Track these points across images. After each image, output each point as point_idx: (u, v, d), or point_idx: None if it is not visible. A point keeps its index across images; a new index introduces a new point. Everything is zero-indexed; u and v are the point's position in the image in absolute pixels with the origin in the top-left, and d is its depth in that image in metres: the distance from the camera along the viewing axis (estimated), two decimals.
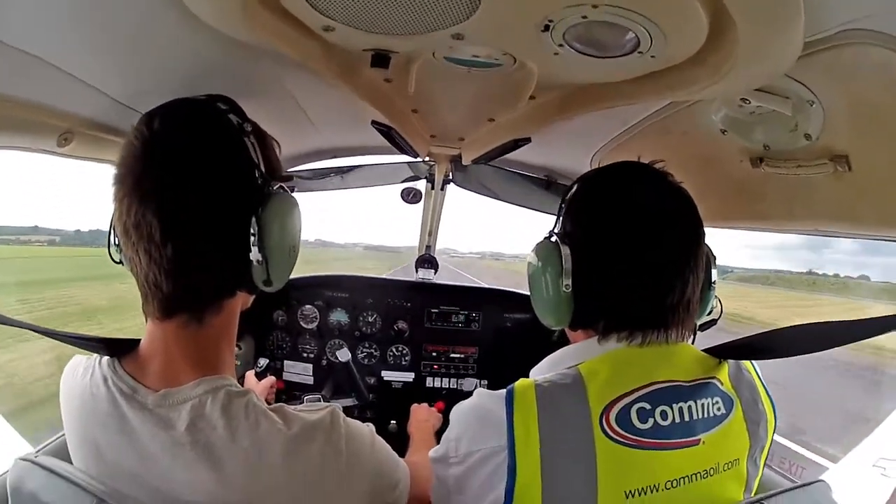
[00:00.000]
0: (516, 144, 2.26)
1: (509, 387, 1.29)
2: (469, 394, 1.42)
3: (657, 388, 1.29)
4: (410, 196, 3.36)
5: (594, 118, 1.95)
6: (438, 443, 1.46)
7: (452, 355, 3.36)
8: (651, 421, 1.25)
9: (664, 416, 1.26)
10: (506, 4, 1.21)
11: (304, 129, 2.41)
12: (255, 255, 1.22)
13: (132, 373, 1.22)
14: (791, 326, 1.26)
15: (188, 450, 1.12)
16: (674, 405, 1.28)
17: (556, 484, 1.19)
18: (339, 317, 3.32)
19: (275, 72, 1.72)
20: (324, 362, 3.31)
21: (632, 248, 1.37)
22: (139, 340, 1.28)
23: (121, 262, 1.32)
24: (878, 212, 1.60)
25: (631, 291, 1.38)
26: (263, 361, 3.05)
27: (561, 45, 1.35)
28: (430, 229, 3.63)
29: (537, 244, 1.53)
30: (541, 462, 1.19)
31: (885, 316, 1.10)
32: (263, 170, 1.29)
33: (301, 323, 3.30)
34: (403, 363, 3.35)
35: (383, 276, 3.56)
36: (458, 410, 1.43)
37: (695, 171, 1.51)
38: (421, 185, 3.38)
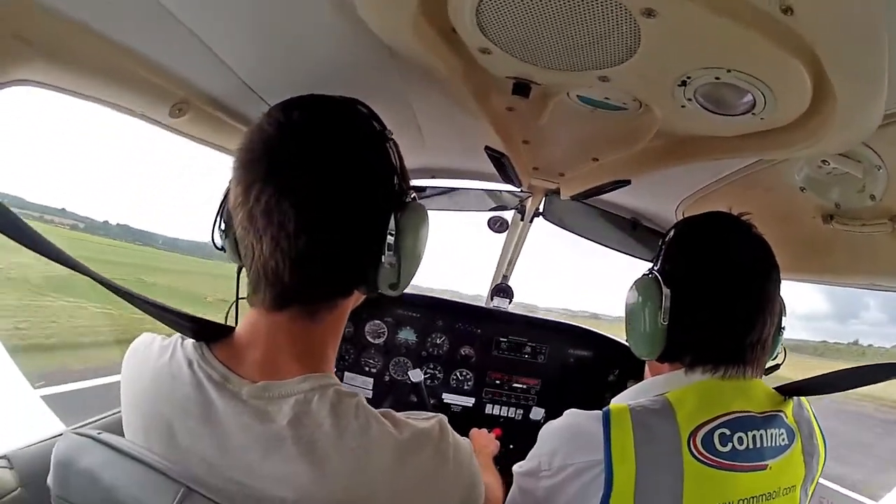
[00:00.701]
0: (616, 185, 2.35)
1: (605, 409, 1.42)
2: (531, 422, 1.61)
3: (735, 416, 1.44)
4: (497, 225, 3.47)
5: (687, 168, 2.06)
6: (496, 467, 1.63)
7: (515, 385, 3.42)
8: (730, 445, 1.40)
9: (741, 441, 1.42)
10: (657, 57, 1.31)
11: (413, 144, 2.45)
12: (388, 257, 1.21)
13: (224, 360, 1.18)
14: (838, 370, 1.52)
15: (289, 444, 1.07)
16: (748, 432, 1.43)
17: (647, 497, 1.34)
18: (406, 335, 3.38)
19: (400, 83, 1.77)
20: (386, 378, 3.37)
21: (723, 293, 1.54)
22: (233, 328, 1.26)
23: (223, 249, 1.35)
24: None
25: (718, 330, 1.53)
26: (358, 392, 3.10)
27: (689, 100, 1.49)
28: (510, 259, 3.64)
29: (638, 279, 1.66)
30: (636, 476, 1.34)
31: None
32: (401, 177, 1.29)
33: (367, 337, 3.35)
34: (466, 388, 3.42)
35: (456, 301, 3.56)
36: (550, 428, 1.57)
37: (773, 225, 1.66)
38: (507, 215, 3.43)
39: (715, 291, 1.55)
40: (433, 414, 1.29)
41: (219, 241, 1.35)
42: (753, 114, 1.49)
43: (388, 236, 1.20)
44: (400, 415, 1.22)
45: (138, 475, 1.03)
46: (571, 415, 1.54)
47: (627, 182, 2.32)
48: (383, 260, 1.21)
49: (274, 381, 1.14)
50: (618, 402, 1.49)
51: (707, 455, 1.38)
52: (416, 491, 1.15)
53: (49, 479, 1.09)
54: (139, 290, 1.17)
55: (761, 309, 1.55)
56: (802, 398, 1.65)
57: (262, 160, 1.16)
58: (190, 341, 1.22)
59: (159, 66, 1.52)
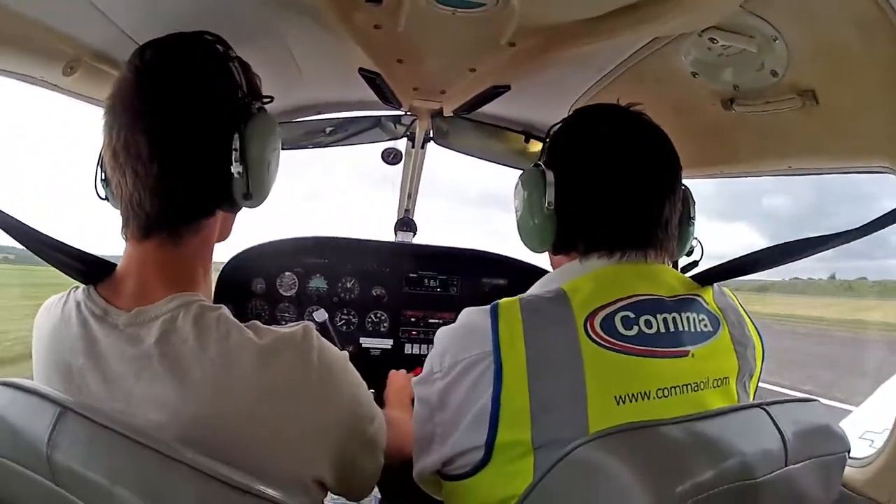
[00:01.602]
0: (495, 91, 2.30)
1: (494, 302, 1.35)
2: None
3: (639, 299, 1.34)
4: (391, 157, 3.35)
5: (570, 68, 2.04)
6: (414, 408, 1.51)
7: (431, 321, 3.38)
8: (636, 328, 1.29)
9: (648, 324, 1.31)
10: None
11: (292, 81, 2.42)
12: (236, 167, 1.26)
13: (105, 295, 1.23)
14: (759, 250, 1.39)
15: (155, 362, 1.11)
16: (657, 315, 1.33)
17: (543, 387, 1.22)
18: (317, 283, 3.30)
19: (273, 19, 1.75)
20: None
21: (608, 172, 1.46)
22: (115, 265, 1.31)
23: (106, 199, 1.39)
24: (846, 144, 1.68)
25: (609, 211, 1.45)
26: (222, 306, 3.03)
27: None
28: (409, 191, 3.60)
29: (523, 172, 1.60)
30: (527, 364, 1.24)
31: (836, 233, 1.25)
32: (245, 91, 1.34)
33: (280, 291, 3.27)
34: (382, 330, 3.34)
35: (360, 238, 3.47)
36: (442, 330, 1.48)
37: (670, 118, 1.56)
38: (400, 146, 3.33)
39: (601, 170, 1.49)
40: (298, 321, 1.30)
41: (102, 192, 1.40)
42: None
43: (234, 148, 1.26)
44: (266, 325, 1.23)
45: (26, 404, 1.07)
46: (463, 313, 1.46)
47: (507, 87, 2.27)
48: (232, 170, 1.26)
49: (145, 305, 1.18)
50: None
51: (608, 339, 1.28)
52: (278, 399, 1.15)
53: None
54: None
55: (655, 189, 1.48)
56: (724, 287, 1.57)
57: (119, 101, 1.23)
58: (81, 287, 1.27)
59: (47, 27, 1.51)
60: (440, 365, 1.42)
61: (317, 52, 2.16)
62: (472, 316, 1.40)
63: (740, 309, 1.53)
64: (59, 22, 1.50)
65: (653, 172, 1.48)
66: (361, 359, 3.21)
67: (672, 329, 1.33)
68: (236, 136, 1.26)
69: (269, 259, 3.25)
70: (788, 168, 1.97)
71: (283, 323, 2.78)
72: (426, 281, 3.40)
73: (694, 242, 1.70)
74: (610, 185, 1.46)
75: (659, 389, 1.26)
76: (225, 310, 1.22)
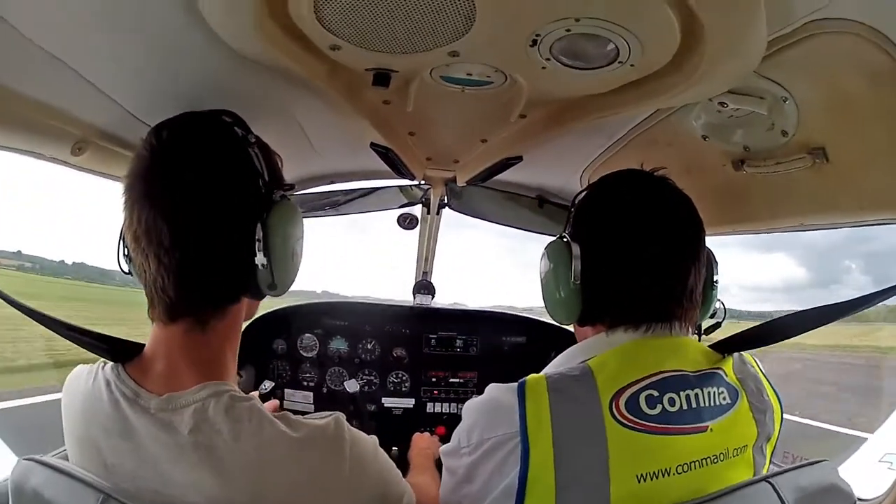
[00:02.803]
0: (508, 163, 2.33)
1: (521, 380, 1.33)
2: None
3: (664, 376, 1.33)
4: (407, 222, 3.39)
5: (582, 135, 2.05)
6: (438, 469, 1.51)
7: (452, 380, 3.37)
8: (659, 407, 1.29)
9: (672, 402, 1.31)
10: (497, 22, 1.28)
11: (305, 153, 2.44)
12: (259, 259, 1.26)
13: (135, 377, 1.23)
14: (781, 317, 1.37)
15: (190, 452, 1.13)
16: (681, 392, 1.32)
17: (569, 468, 1.22)
18: (338, 345, 3.31)
19: (281, 95, 1.76)
20: (324, 390, 3.30)
21: (634, 243, 1.45)
22: (143, 345, 1.30)
23: (130, 273, 1.37)
24: (858, 198, 1.68)
25: (635, 284, 1.44)
26: (269, 384, 3.08)
27: (548, 59, 1.42)
28: (426, 255, 3.63)
29: (548, 244, 1.59)
30: (553, 446, 1.23)
31: (859, 297, 1.25)
32: (267, 178, 1.34)
33: (301, 352, 3.29)
34: (403, 389, 3.34)
35: (380, 303, 3.57)
36: (470, 405, 1.48)
37: (681, 180, 1.56)
38: (416, 211, 3.40)
39: (627, 243, 1.47)
40: (329, 413, 1.31)
41: (125, 267, 1.39)
42: (621, 62, 1.41)
43: (257, 239, 1.26)
44: (296, 416, 1.25)
45: (68, 488, 1.10)
46: (490, 389, 1.45)
47: (519, 158, 2.29)
48: (256, 261, 1.27)
49: (175, 392, 1.19)
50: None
51: (633, 419, 1.27)
52: (314, 489, 1.19)
53: None
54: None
55: (683, 259, 1.46)
56: (746, 354, 1.54)
57: (137, 183, 1.24)
58: (109, 364, 1.27)
59: (54, 109, 1.52)
60: (468, 441, 1.42)
61: (327, 127, 2.17)
62: (499, 394, 1.40)
63: (760, 375, 1.51)
64: (66, 104, 1.53)
65: (679, 239, 1.47)
66: (383, 418, 3.26)
67: (694, 405, 1.33)
68: (259, 225, 1.27)
69: (290, 320, 3.29)
70: (801, 225, 1.96)
71: (305, 384, 3.28)
72: (446, 341, 3.40)
73: (717, 304, 1.68)
74: (636, 256, 1.45)
75: (679, 465, 1.26)
76: (256, 401, 1.22)
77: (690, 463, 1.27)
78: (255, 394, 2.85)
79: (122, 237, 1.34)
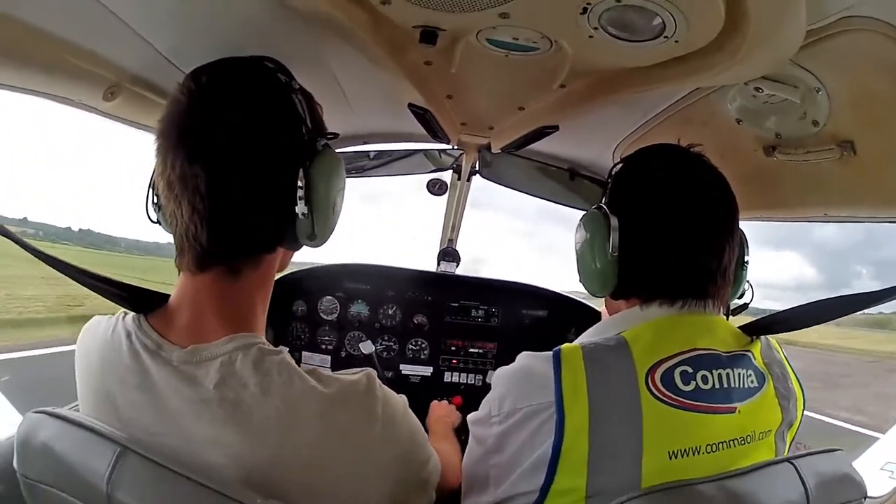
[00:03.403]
0: (543, 132, 2.32)
1: (555, 349, 1.33)
2: (489, 387, 1.48)
3: (698, 353, 1.34)
4: (437, 187, 3.42)
5: (618, 109, 2.05)
6: (459, 437, 1.52)
7: (471, 350, 3.37)
8: (693, 384, 1.30)
9: (705, 380, 1.31)
10: None
11: (340, 110, 2.42)
12: (301, 208, 1.23)
13: (158, 328, 1.20)
14: (809, 303, 1.39)
15: (215, 407, 1.09)
16: (713, 371, 1.33)
17: (603, 440, 1.23)
18: (359, 309, 3.31)
19: (321, 47, 1.73)
20: (342, 354, 3.31)
21: (672, 216, 1.45)
22: (168, 296, 1.28)
23: (158, 222, 1.37)
24: (882, 194, 1.72)
25: (673, 258, 1.44)
26: (283, 348, 3.06)
27: (596, 28, 1.41)
28: (453, 222, 3.61)
29: (585, 214, 1.58)
30: (589, 417, 1.24)
31: (884, 288, 1.25)
32: (310, 126, 1.31)
33: (321, 314, 3.30)
34: (422, 357, 3.35)
35: (403, 268, 3.49)
36: (501, 372, 1.47)
37: (714, 162, 1.57)
38: (446, 177, 3.40)
39: (666, 217, 1.47)
40: (360, 369, 1.28)
41: (153, 216, 1.37)
42: (665, 37, 1.41)
43: (299, 187, 1.23)
44: (328, 371, 1.22)
45: (82, 440, 1.07)
46: (522, 357, 1.45)
47: (555, 128, 2.29)
48: (296, 210, 1.24)
49: (201, 344, 1.16)
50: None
51: (667, 394, 1.28)
52: (343, 447, 1.16)
53: (14, 461, 1.15)
54: None
55: (718, 236, 1.47)
56: (772, 340, 1.55)
57: (173, 128, 1.20)
58: (130, 314, 1.24)
59: (87, 52, 1.49)
60: (499, 409, 1.41)
61: (366, 84, 2.16)
62: (533, 362, 1.40)
63: (785, 362, 1.52)
64: (100, 47, 1.50)
65: (716, 216, 1.47)
66: (401, 385, 3.15)
67: (725, 385, 1.34)
68: (301, 173, 1.24)
69: (311, 282, 3.29)
70: (825, 215, 1.99)
71: (324, 347, 3.30)
72: (467, 311, 3.40)
73: (746, 285, 1.68)
74: (674, 231, 1.45)
75: (708, 445, 1.28)
76: (285, 354, 1.19)
77: (719, 443, 1.29)
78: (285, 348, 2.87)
79: (151, 184, 1.33)
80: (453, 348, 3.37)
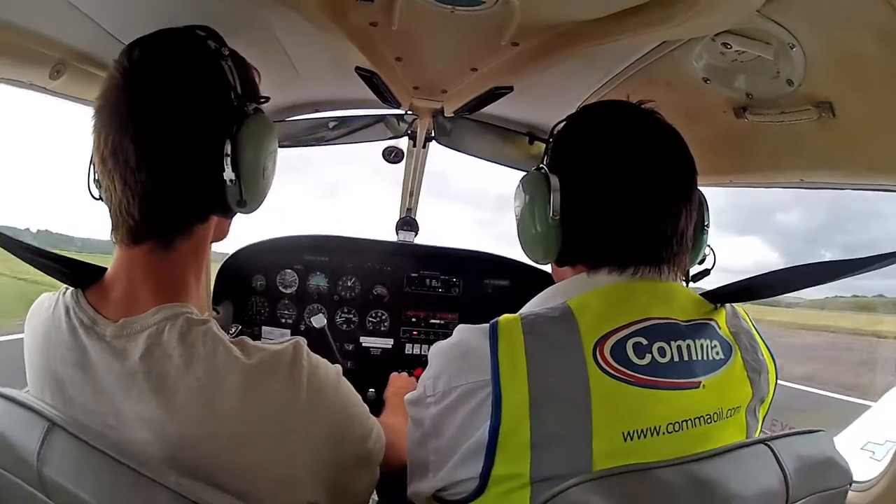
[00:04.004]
0: (497, 93, 2.25)
1: (493, 320, 1.23)
2: None
3: (653, 323, 1.23)
4: (392, 155, 3.31)
5: (577, 68, 1.96)
6: None
7: (432, 321, 3.33)
8: (649, 357, 1.18)
9: (662, 352, 1.20)
10: None
11: (289, 78, 2.39)
12: (228, 174, 1.21)
13: (94, 303, 1.19)
14: (784, 269, 1.27)
15: (141, 380, 1.08)
16: (671, 342, 1.22)
17: (546, 419, 1.12)
18: (317, 281, 3.26)
19: (263, 15, 1.72)
20: (302, 327, 3.25)
21: (620, 177, 1.34)
22: (104, 269, 1.26)
23: (101, 199, 1.30)
24: (864, 158, 1.62)
25: (621, 222, 1.33)
26: (234, 328, 3.03)
27: None
28: (411, 190, 3.53)
29: (524, 176, 1.48)
30: (529, 396, 1.12)
31: (863, 258, 1.13)
32: (240, 92, 1.28)
33: (280, 288, 3.24)
34: (383, 329, 3.30)
35: (361, 238, 3.44)
36: (437, 348, 1.37)
37: (679, 124, 1.47)
38: (402, 144, 3.30)
39: (611, 176, 1.35)
40: (290, 337, 1.24)
41: (95, 192, 1.32)
42: None
43: (226, 154, 1.21)
44: (255, 342, 1.19)
45: (17, 417, 1.08)
46: (459, 331, 1.34)
47: (509, 89, 2.21)
48: (224, 176, 1.21)
49: (131, 316, 1.14)
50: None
51: (619, 368, 1.16)
52: (267, 422, 1.12)
53: None
54: None
55: (673, 197, 1.35)
56: (738, 307, 1.43)
57: (106, 103, 1.19)
58: (70, 290, 1.23)
59: (31, 32, 1.48)
60: (433, 389, 1.31)
61: (312, 50, 2.12)
62: (469, 336, 1.29)
63: (753, 331, 1.40)
64: (42, 26, 1.48)
65: (669, 176, 1.35)
66: (361, 358, 3.22)
67: (686, 358, 1.22)
68: (228, 140, 1.22)
69: (270, 256, 3.23)
70: (801, 181, 1.90)
71: (283, 321, 3.22)
72: (428, 281, 3.36)
73: (707, 250, 1.59)
74: (622, 191, 1.33)
75: (669, 424, 1.16)
76: (213, 324, 1.17)
77: (682, 422, 1.17)
78: (211, 314, 2.87)
79: (91, 162, 1.30)
80: (414, 320, 3.32)
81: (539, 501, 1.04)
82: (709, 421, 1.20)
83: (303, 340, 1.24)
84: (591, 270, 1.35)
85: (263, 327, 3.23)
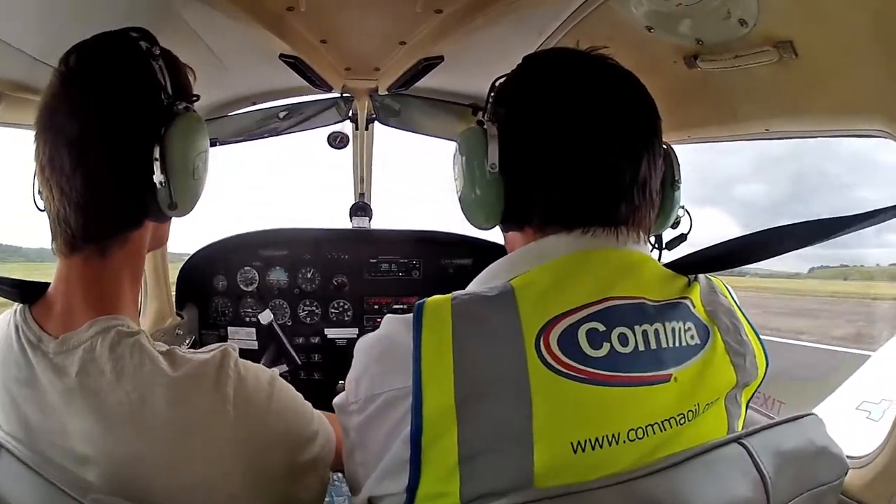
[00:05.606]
0: (428, 64, 2.24)
1: (419, 302, 1.02)
2: None
3: (613, 304, 1.02)
4: (337, 141, 3.22)
5: (508, 31, 1.91)
6: None
7: (395, 307, 3.29)
8: (606, 347, 0.97)
9: (624, 340, 0.99)
10: None
11: (218, 74, 2.34)
12: (157, 176, 1.16)
13: (39, 319, 1.15)
14: (760, 231, 1.09)
15: (78, 397, 1.06)
16: (636, 327, 1.01)
17: (476, 429, 0.92)
18: (277, 276, 3.22)
19: (180, 14, 1.70)
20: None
21: (566, 120, 1.14)
22: (48, 284, 1.23)
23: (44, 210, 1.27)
24: (832, 102, 1.49)
25: (569, 168, 1.13)
26: (189, 339, 3.00)
27: None
28: (361, 175, 3.48)
29: (460, 133, 1.26)
30: (455, 398, 0.92)
31: (852, 215, 1.00)
32: (171, 92, 1.23)
33: (241, 286, 3.19)
34: (346, 319, 3.26)
35: (316, 228, 3.41)
36: (360, 343, 1.18)
37: None
38: (347, 130, 3.24)
39: (555, 119, 1.14)
40: (220, 344, 1.20)
41: (41, 204, 1.27)
42: None
43: (155, 158, 1.17)
44: (184, 350, 1.15)
45: None
46: (386, 322, 1.14)
47: (440, 58, 2.21)
48: (154, 179, 1.17)
49: (69, 331, 1.11)
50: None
51: (567, 362, 0.95)
52: (196, 436, 1.08)
53: None
54: None
55: (631, 142, 1.14)
56: (715, 280, 1.22)
57: (44, 112, 1.17)
58: (20, 306, 1.20)
59: None
60: (356, 395, 1.12)
61: (234, 43, 2.07)
62: (395, 328, 1.09)
63: (735, 308, 1.19)
64: None
65: (625, 116, 1.15)
66: (328, 350, 3.20)
67: (653, 346, 1.01)
68: (156, 142, 1.18)
69: (229, 254, 3.20)
70: (766, 131, 1.77)
71: (248, 320, 3.17)
72: (387, 266, 3.31)
73: (681, 212, 1.42)
74: (569, 136, 1.13)
75: (632, 430, 0.95)
76: (142, 336, 1.12)
77: (647, 427, 0.97)
78: (176, 320, 2.88)
79: (35, 173, 1.26)
80: (377, 307, 3.28)
81: None
82: (682, 421, 1.01)
83: (232, 347, 1.18)
84: (538, 232, 1.16)
85: (229, 328, 3.19)
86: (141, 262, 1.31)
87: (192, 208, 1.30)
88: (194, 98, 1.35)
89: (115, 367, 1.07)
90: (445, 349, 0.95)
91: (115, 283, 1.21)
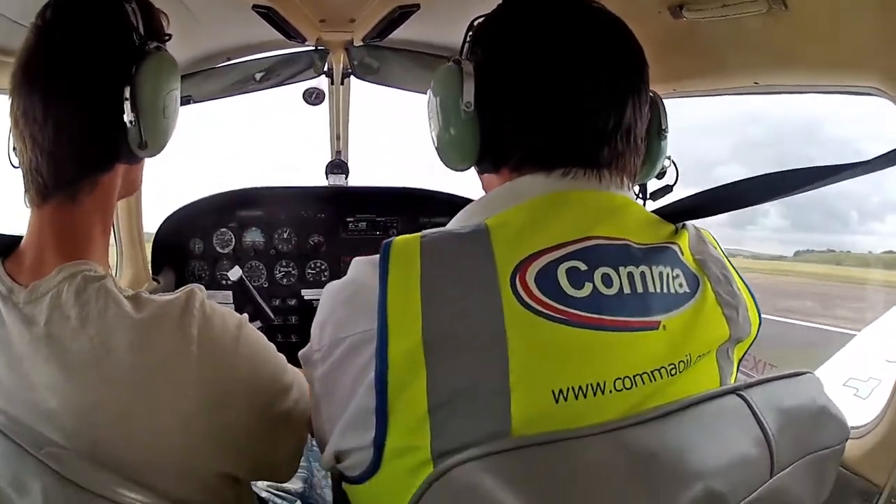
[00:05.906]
0: (403, 11, 2.20)
1: (386, 241, 0.96)
2: None
3: (596, 243, 0.97)
4: (313, 97, 3.19)
5: None
6: None
7: None
8: (589, 287, 0.92)
9: (608, 281, 0.94)
10: None
11: (191, 29, 2.27)
12: (128, 116, 1.15)
13: (11, 271, 1.15)
14: (746, 179, 1.03)
15: (44, 346, 1.04)
16: (620, 268, 0.96)
17: (447, 375, 0.86)
18: (253, 237, 3.18)
19: None
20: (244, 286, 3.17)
21: (546, 56, 1.09)
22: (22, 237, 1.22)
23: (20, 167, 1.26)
24: (823, 55, 1.47)
25: (550, 113, 1.08)
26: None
27: None
28: (338, 132, 3.43)
29: (435, 72, 1.21)
30: (423, 340, 0.86)
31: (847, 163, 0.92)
32: (142, 33, 1.22)
33: (217, 248, 3.15)
34: (323, 279, 3.18)
35: (290, 186, 3.36)
36: (327, 289, 1.14)
37: None
38: (323, 85, 3.20)
39: (534, 55, 1.10)
40: (190, 286, 1.18)
41: (15, 161, 1.26)
42: None
43: (125, 98, 1.15)
44: (152, 294, 1.14)
45: None
46: (354, 265, 1.09)
47: (416, 6, 2.17)
48: (124, 118, 1.16)
49: (38, 279, 1.11)
50: None
51: (546, 301, 0.89)
52: (159, 381, 1.06)
53: None
54: None
55: (612, 82, 1.09)
56: (704, 232, 1.17)
57: (20, 67, 1.18)
58: None
59: None
60: (320, 341, 1.08)
61: None
62: (362, 270, 1.06)
63: (725, 261, 1.15)
64: None
65: (610, 63, 1.10)
66: (305, 312, 3.14)
67: (639, 289, 0.96)
68: (126, 81, 1.16)
69: (204, 216, 3.15)
70: (755, 84, 1.73)
71: (224, 283, 3.11)
72: (364, 224, 3.27)
73: (667, 162, 1.43)
74: (550, 76, 1.08)
75: (619, 379, 0.89)
76: (108, 280, 1.12)
77: (636, 377, 0.91)
78: (152, 285, 2.85)
79: (10, 129, 1.26)
80: None
81: (419, 485, 0.82)
82: (672, 372, 0.95)
83: (199, 288, 1.18)
84: (513, 173, 1.11)
85: (207, 290, 3.05)
86: (111, 207, 1.29)
87: (163, 148, 1.27)
88: (166, 38, 1.32)
89: (80, 312, 1.06)
90: (413, 288, 0.90)
91: (86, 228, 1.21)
